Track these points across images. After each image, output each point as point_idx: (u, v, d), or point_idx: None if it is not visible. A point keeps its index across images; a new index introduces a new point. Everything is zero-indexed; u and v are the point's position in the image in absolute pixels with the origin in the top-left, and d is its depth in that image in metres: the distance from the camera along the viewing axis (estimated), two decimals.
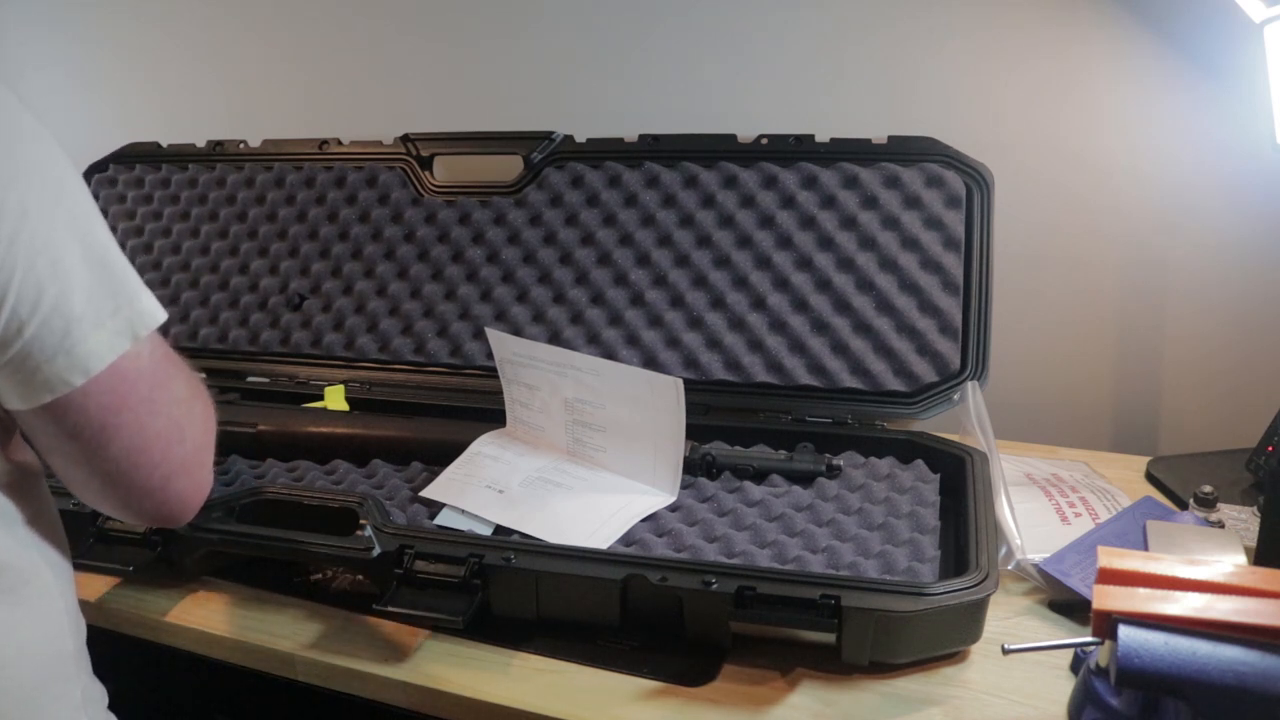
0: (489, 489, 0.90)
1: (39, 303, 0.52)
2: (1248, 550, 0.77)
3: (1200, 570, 0.59)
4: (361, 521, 0.81)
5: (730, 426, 1.01)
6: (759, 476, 0.93)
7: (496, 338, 0.97)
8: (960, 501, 0.86)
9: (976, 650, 0.74)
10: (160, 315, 0.58)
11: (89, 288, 0.54)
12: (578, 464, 0.94)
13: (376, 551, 0.79)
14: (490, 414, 1.03)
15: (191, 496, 0.63)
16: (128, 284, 0.57)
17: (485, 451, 0.96)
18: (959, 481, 0.88)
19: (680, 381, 0.85)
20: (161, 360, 0.60)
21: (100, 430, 0.56)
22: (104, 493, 0.60)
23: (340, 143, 1.25)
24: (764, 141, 1.09)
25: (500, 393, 0.99)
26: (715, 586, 0.72)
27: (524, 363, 0.95)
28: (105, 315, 0.55)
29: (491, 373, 1.00)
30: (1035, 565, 0.80)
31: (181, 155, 1.33)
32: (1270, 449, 0.94)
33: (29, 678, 0.60)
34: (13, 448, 0.61)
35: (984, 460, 0.89)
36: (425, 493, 0.91)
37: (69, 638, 0.64)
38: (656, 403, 0.87)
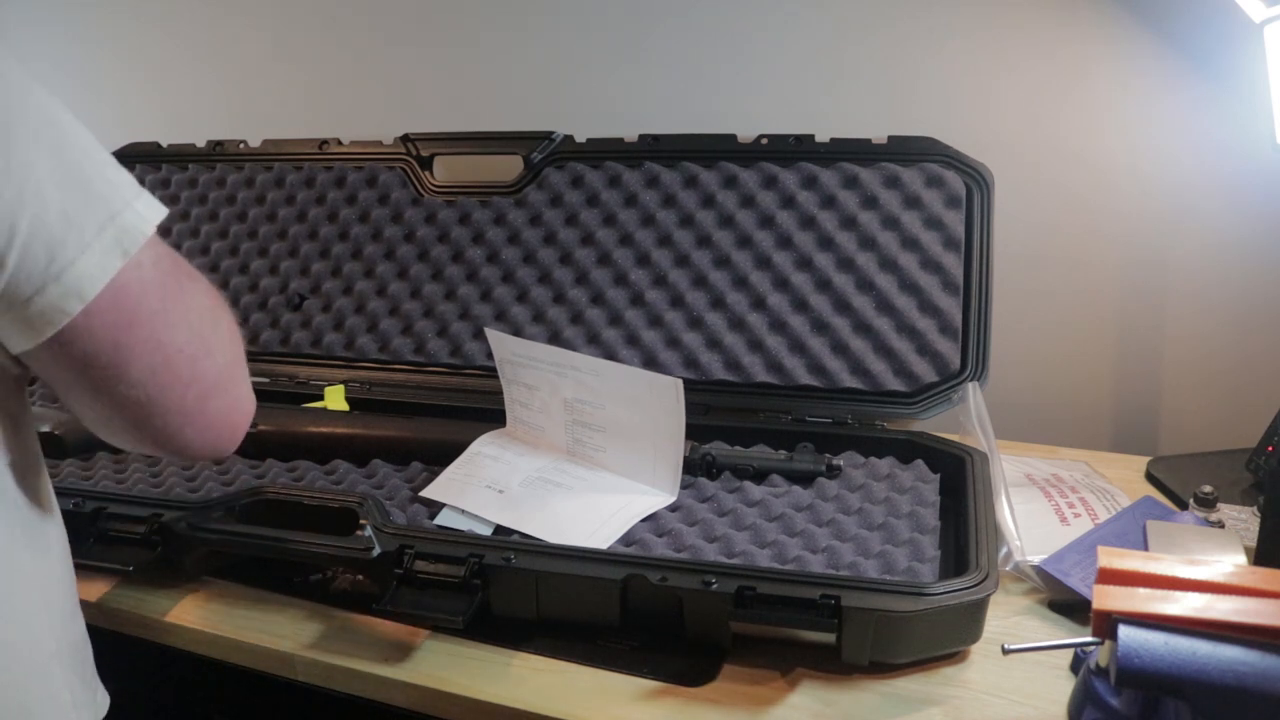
0: (489, 489, 0.90)
1: (13, 232, 0.48)
2: (1248, 550, 0.77)
3: (1200, 570, 0.59)
4: (361, 521, 0.81)
5: (730, 426, 1.01)
6: (759, 476, 0.93)
7: (496, 338, 0.97)
8: (960, 501, 0.86)
9: (976, 650, 0.74)
10: (152, 218, 0.54)
11: (66, 206, 0.49)
12: (578, 464, 0.94)
13: (376, 551, 0.79)
14: (490, 414, 1.03)
15: (234, 416, 0.58)
16: (114, 193, 0.52)
17: (485, 451, 0.96)
18: (959, 481, 0.88)
19: (680, 382, 0.85)
20: (169, 269, 0.55)
21: (115, 353, 0.52)
22: (140, 428, 0.55)
23: (340, 143, 1.25)
24: (764, 141, 1.09)
25: (500, 393, 0.99)
26: (715, 586, 0.72)
27: (523, 363, 0.95)
28: (90, 234, 0.50)
29: (491, 373, 1.00)
30: (1034, 567, 0.80)
31: (181, 155, 1.33)
32: (1270, 449, 0.94)
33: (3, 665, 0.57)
34: (19, 431, 0.58)
35: (984, 460, 0.89)
36: (425, 493, 0.91)
37: (47, 635, 0.60)
38: (656, 403, 0.87)
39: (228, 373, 0.58)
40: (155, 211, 0.54)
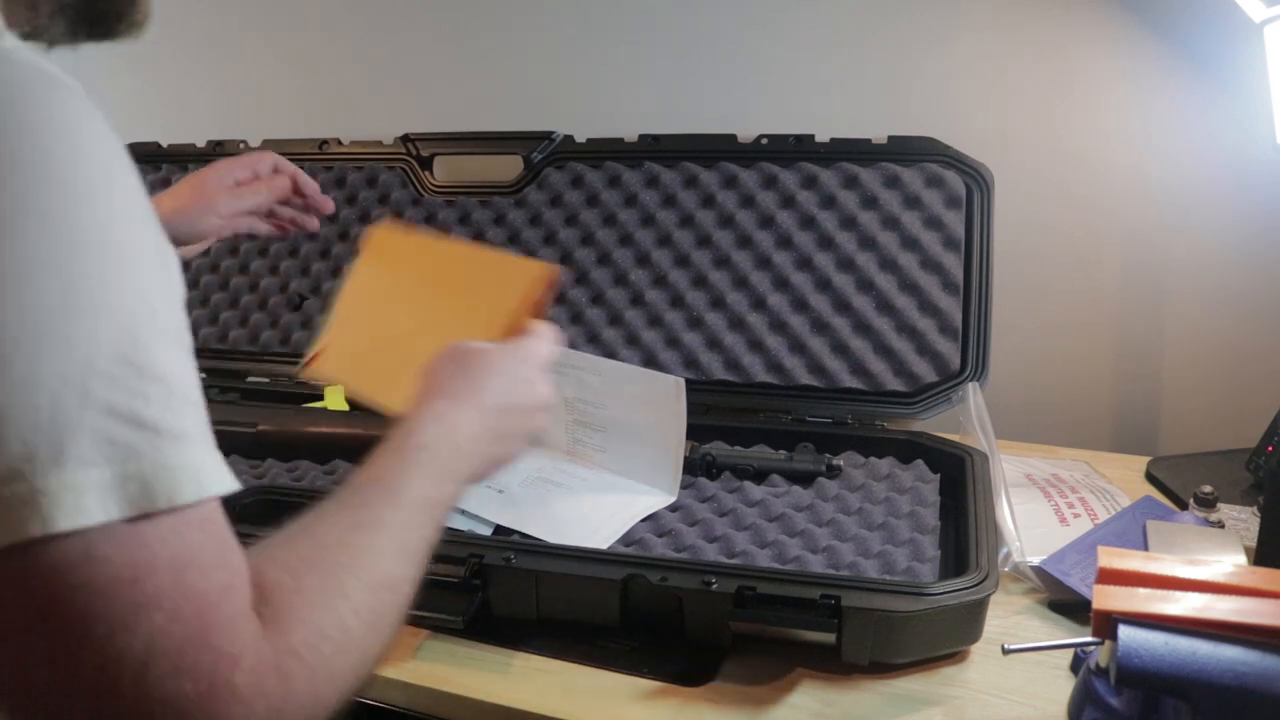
0: (489, 488, 0.90)
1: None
2: (1248, 550, 0.77)
3: (1200, 570, 0.59)
4: None
5: (730, 426, 1.01)
6: (759, 476, 0.93)
7: None
8: (960, 502, 0.86)
9: (976, 650, 0.74)
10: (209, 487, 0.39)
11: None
12: (578, 464, 0.94)
13: None
14: None
15: None
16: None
17: None
18: (959, 482, 0.88)
19: (681, 381, 0.85)
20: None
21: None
22: None
23: (340, 143, 1.25)
24: (764, 141, 1.09)
25: None
26: (715, 586, 0.72)
27: None
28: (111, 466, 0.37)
29: None
30: (1034, 567, 0.80)
31: (181, 155, 1.32)
32: (1270, 449, 0.94)
33: None
34: None
35: (984, 460, 0.89)
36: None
37: None
38: (657, 402, 0.87)
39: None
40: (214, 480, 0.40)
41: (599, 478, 0.92)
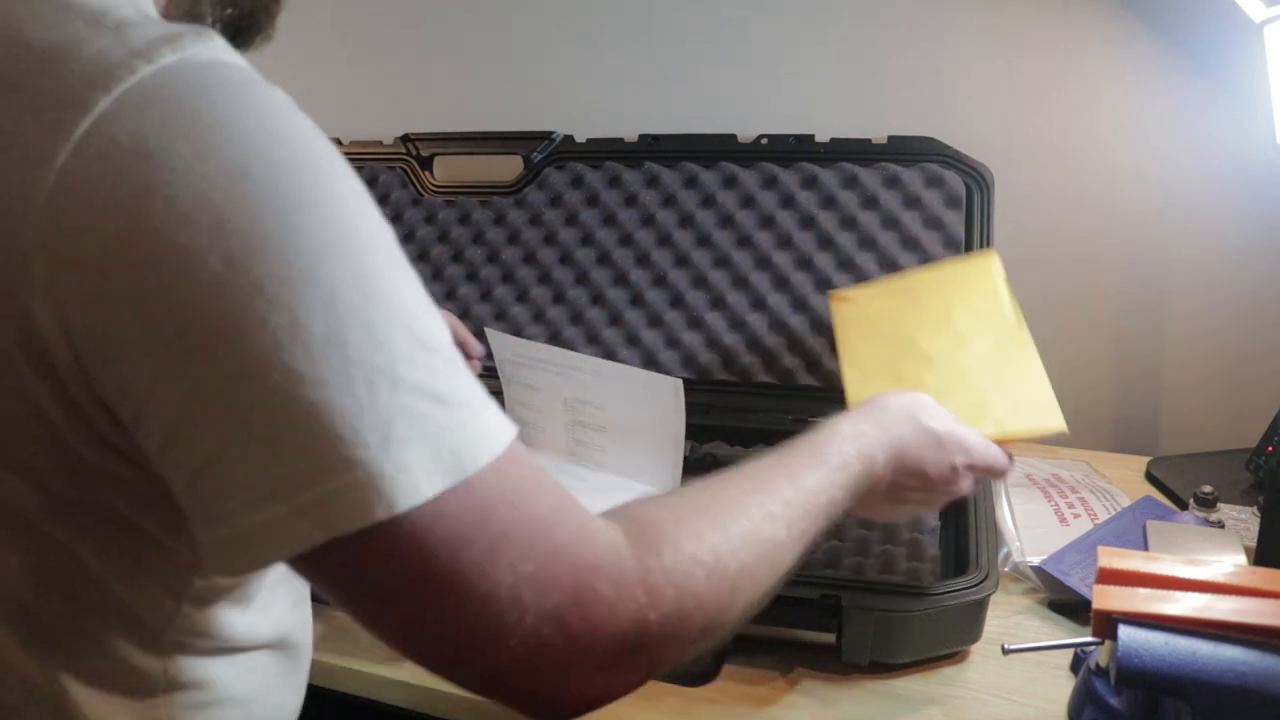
0: None
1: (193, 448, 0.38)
2: (1248, 550, 0.77)
3: (1200, 570, 0.59)
4: None
5: (730, 426, 1.01)
6: None
7: (496, 338, 0.97)
8: (960, 502, 0.85)
9: (976, 650, 0.74)
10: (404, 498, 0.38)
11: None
12: (578, 465, 0.94)
13: None
14: None
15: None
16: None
17: None
18: None
19: (680, 382, 0.85)
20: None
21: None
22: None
23: (340, 143, 1.25)
24: (764, 141, 1.09)
25: (500, 393, 0.99)
26: None
27: (523, 363, 0.95)
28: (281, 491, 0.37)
29: (491, 373, 1.00)
30: (1034, 567, 0.80)
31: None
32: (1270, 449, 0.94)
33: None
34: None
35: None
36: None
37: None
38: (656, 403, 0.87)
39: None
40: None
41: (600, 479, 0.92)
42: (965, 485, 0.68)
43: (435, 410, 0.39)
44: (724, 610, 0.46)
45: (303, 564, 0.39)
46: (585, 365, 0.92)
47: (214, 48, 0.41)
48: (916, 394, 0.68)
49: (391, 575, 0.39)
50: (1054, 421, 0.73)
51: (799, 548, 0.53)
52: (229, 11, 0.52)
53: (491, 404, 0.42)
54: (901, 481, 0.64)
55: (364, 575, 0.39)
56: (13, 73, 0.39)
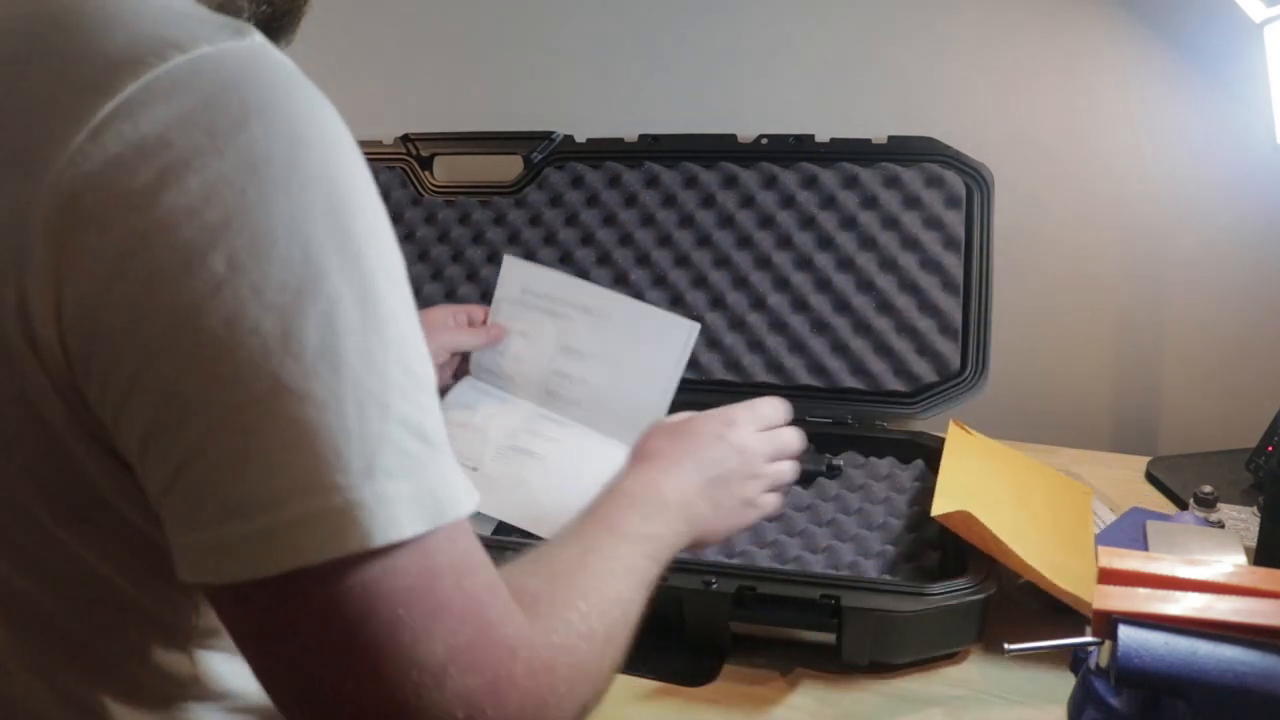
0: (462, 467, 0.87)
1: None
2: (1248, 550, 0.77)
3: (1200, 570, 0.59)
4: None
5: None
6: None
7: (512, 266, 0.94)
8: None
9: (976, 650, 0.74)
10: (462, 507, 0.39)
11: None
12: (551, 419, 0.91)
13: None
14: None
15: None
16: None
17: (453, 418, 0.92)
18: None
19: (696, 325, 0.84)
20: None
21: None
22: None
23: None
24: (764, 141, 1.09)
25: None
26: (715, 586, 0.72)
27: (527, 302, 0.93)
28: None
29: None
30: None
31: None
32: (1270, 449, 0.94)
33: None
34: None
35: None
36: None
37: None
38: (658, 347, 0.85)
39: None
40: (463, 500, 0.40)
41: (575, 438, 0.89)
42: (752, 441, 0.70)
43: (420, 449, 0.38)
44: (603, 679, 0.47)
45: (235, 593, 0.37)
46: (598, 303, 0.89)
47: (253, 42, 0.40)
48: (658, 423, 0.70)
49: (324, 622, 0.36)
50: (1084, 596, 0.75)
51: (641, 594, 0.54)
52: (264, 9, 0.51)
53: (458, 466, 0.41)
54: (711, 492, 0.66)
55: (296, 617, 0.37)
56: (60, 43, 0.38)
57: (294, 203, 0.37)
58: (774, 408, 0.74)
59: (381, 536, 0.36)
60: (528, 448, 0.89)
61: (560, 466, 0.87)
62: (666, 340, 0.84)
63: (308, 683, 0.38)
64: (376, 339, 0.37)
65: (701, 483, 0.66)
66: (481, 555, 0.41)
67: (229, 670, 0.49)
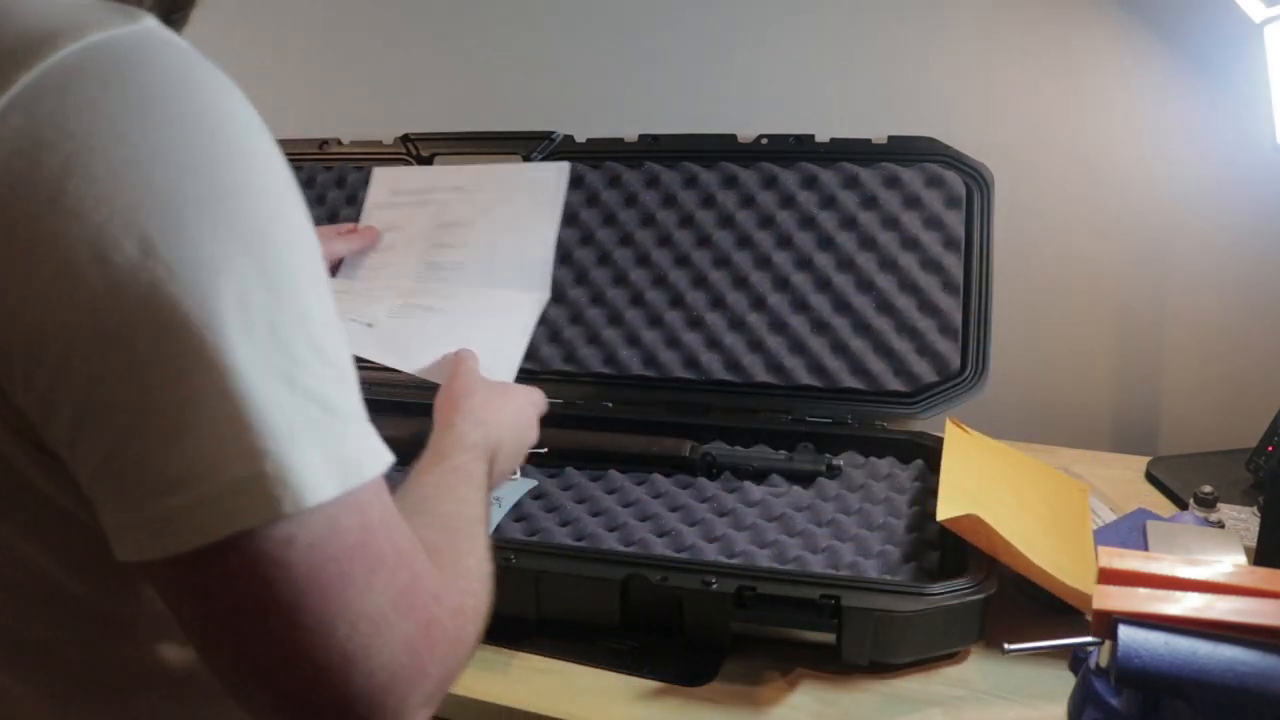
0: (354, 322, 0.84)
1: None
2: (1248, 550, 0.77)
3: (1200, 570, 0.59)
4: None
5: (730, 426, 1.01)
6: (759, 476, 0.93)
7: (382, 176, 0.96)
8: None
9: (976, 650, 0.74)
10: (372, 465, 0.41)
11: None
12: (440, 279, 0.90)
13: None
14: None
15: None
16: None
17: (338, 287, 0.90)
18: None
19: (565, 166, 0.86)
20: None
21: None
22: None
23: (340, 143, 1.25)
24: (764, 141, 1.09)
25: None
26: (715, 586, 0.72)
27: (395, 204, 0.93)
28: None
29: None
30: None
31: None
32: (1270, 449, 0.94)
33: None
34: None
35: None
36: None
37: None
38: (532, 197, 0.85)
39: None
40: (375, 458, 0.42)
41: (469, 292, 0.87)
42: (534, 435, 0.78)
43: (324, 417, 0.39)
44: (485, 620, 0.49)
45: (176, 566, 0.38)
46: (467, 179, 0.90)
47: (145, 26, 0.40)
48: (476, 375, 0.76)
49: (268, 585, 0.38)
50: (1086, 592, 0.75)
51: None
52: None
53: (373, 429, 0.43)
54: (511, 442, 0.73)
55: (241, 585, 0.38)
56: None
57: (201, 184, 0.37)
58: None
59: (312, 498, 0.38)
60: (424, 304, 0.87)
61: (458, 318, 0.85)
62: (539, 186, 0.85)
63: (258, 652, 0.39)
64: (283, 316, 0.39)
65: (509, 446, 0.72)
66: (396, 511, 0.43)
67: (179, 658, 0.49)
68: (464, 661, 0.45)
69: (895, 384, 1.00)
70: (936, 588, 0.70)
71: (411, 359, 0.81)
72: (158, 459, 0.37)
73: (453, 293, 0.88)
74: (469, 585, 0.48)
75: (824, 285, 1.04)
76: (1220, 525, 0.83)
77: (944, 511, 0.72)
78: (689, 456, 0.93)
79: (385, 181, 0.95)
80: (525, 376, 1.08)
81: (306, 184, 1.24)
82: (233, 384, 0.37)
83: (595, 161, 1.14)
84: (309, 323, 0.40)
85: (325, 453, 0.39)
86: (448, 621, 0.43)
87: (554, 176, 0.83)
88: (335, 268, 0.97)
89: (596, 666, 0.74)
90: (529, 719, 0.71)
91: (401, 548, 0.42)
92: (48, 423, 0.38)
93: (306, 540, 0.38)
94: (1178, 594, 0.58)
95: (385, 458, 0.42)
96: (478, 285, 0.88)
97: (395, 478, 0.45)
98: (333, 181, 1.23)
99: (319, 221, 1.22)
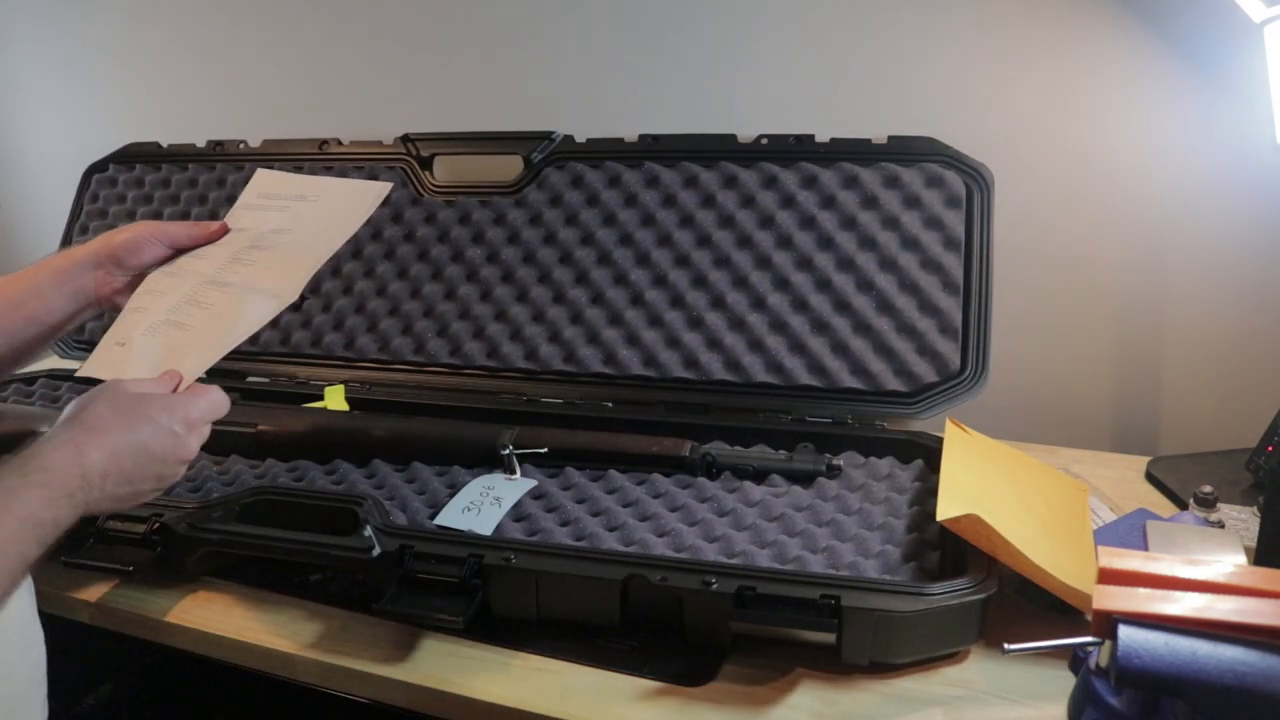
0: (116, 345, 0.83)
1: None
2: (1248, 550, 0.77)
3: (1200, 570, 0.59)
4: (362, 521, 0.81)
5: (730, 426, 1.01)
6: (759, 476, 0.93)
7: (262, 175, 0.95)
8: None
9: (976, 650, 0.74)
10: None
11: None
12: (220, 286, 0.88)
13: (377, 551, 0.79)
14: (491, 414, 1.03)
15: None
16: None
17: (134, 303, 0.88)
18: None
19: (388, 186, 0.87)
20: None
21: None
22: None
23: (340, 143, 1.25)
24: (764, 141, 1.09)
25: (499, 392, 0.98)
26: (715, 586, 0.72)
27: (263, 205, 0.93)
28: None
29: (492, 373, 1.00)
30: None
31: (181, 155, 1.33)
32: (1270, 449, 0.94)
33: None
34: None
35: None
36: (82, 371, 0.85)
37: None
38: (345, 209, 0.86)
39: None
40: None
41: (234, 303, 0.85)
42: (194, 445, 0.71)
43: None
44: None
45: None
46: (313, 189, 0.91)
47: None
48: (103, 387, 0.70)
49: None
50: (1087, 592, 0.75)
51: (7, 581, 0.57)
52: None
53: None
54: (132, 467, 0.66)
55: None
56: None
57: None
58: (223, 402, 0.75)
59: None
60: (181, 320, 0.85)
61: (205, 334, 0.84)
62: (355, 201, 0.85)
63: None
64: None
65: (127, 467, 0.66)
66: None
67: None
68: None
69: (895, 384, 1.00)
70: (936, 588, 0.70)
71: (136, 368, 0.80)
72: None
73: (221, 302, 0.86)
74: None
75: (824, 285, 1.04)
76: (1220, 525, 0.83)
77: (944, 511, 0.72)
78: (689, 456, 0.93)
79: (258, 185, 0.95)
80: (526, 376, 1.09)
81: None
82: None
83: (595, 161, 1.14)
84: None
85: None
86: None
87: (372, 194, 0.84)
88: (170, 258, 0.93)
89: (596, 666, 0.74)
90: (529, 719, 0.71)
91: None
92: None
93: None
94: (1178, 594, 0.58)
95: None
96: (258, 291, 0.87)
97: None
98: None
99: None
